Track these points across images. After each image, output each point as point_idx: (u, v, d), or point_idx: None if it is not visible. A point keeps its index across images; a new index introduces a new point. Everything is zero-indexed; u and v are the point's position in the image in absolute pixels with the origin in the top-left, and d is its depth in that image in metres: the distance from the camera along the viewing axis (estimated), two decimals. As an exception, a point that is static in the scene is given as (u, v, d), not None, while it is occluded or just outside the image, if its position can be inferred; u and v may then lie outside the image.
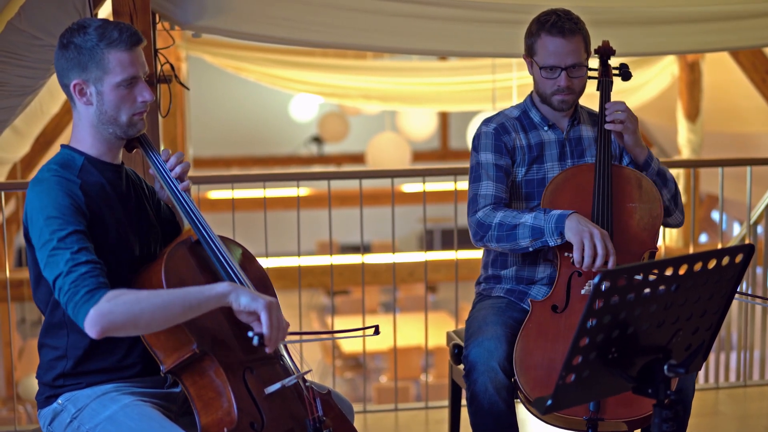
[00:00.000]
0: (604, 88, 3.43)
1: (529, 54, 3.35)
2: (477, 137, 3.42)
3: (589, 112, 3.51)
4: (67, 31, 2.68)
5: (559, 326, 3.13)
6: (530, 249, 3.20)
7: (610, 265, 3.03)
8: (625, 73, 3.47)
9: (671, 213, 3.44)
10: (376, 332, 2.93)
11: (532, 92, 3.48)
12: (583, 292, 3.17)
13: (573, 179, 3.31)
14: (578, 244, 3.04)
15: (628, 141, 3.30)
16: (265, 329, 2.57)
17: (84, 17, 3.97)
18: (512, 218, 3.20)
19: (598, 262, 3.03)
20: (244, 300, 2.56)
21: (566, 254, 3.20)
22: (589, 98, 3.38)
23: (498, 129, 3.40)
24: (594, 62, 3.49)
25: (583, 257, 3.05)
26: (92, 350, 2.71)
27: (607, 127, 3.28)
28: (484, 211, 3.28)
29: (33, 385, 8.94)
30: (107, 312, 2.44)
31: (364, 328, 2.99)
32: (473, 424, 3.16)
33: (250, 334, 2.59)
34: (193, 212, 2.83)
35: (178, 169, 2.89)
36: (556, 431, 3.17)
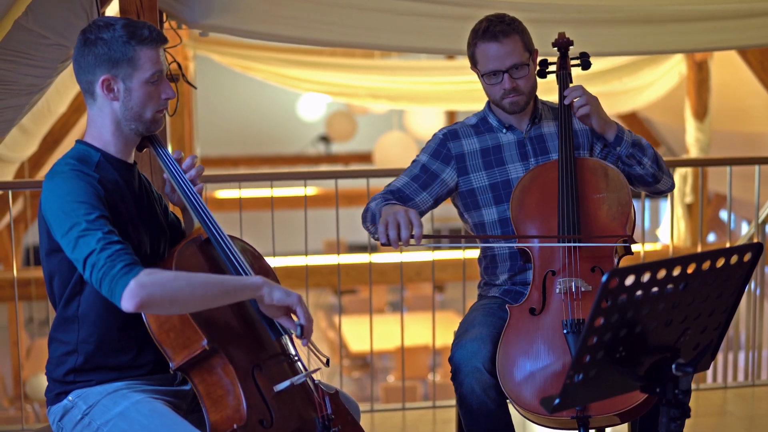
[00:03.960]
0: (563, 80, 3.43)
1: (474, 64, 3.38)
2: (429, 140, 3.51)
3: (551, 107, 3.51)
4: (92, 27, 2.72)
5: (538, 328, 3.13)
6: (375, 237, 3.18)
7: (417, 234, 2.99)
8: (585, 63, 3.48)
9: (659, 179, 3.43)
10: (326, 365, 2.87)
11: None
12: (557, 291, 3.17)
13: (538, 178, 3.32)
14: (383, 222, 3.02)
15: (596, 123, 3.31)
16: (303, 320, 2.67)
17: (91, 16, 3.98)
18: (373, 203, 3.29)
19: (403, 234, 2.98)
20: (277, 294, 2.64)
21: (537, 253, 3.23)
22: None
23: (447, 134, 3.48)
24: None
25: (387, 230, 3.00)
26: (103, 346, 2.73)
27: (579, 113, 3.28)
28: (379, 193, 3.36)
29: (40, 384, 8.98)
30: (148, 284, 2.45)
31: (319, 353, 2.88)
32: (466, 426, 3.16)
33: (296, 324, 2.69)
34: (203, 210, 2.85)
35: (193, 172, 2.94)
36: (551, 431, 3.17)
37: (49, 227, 2.61)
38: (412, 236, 2.99)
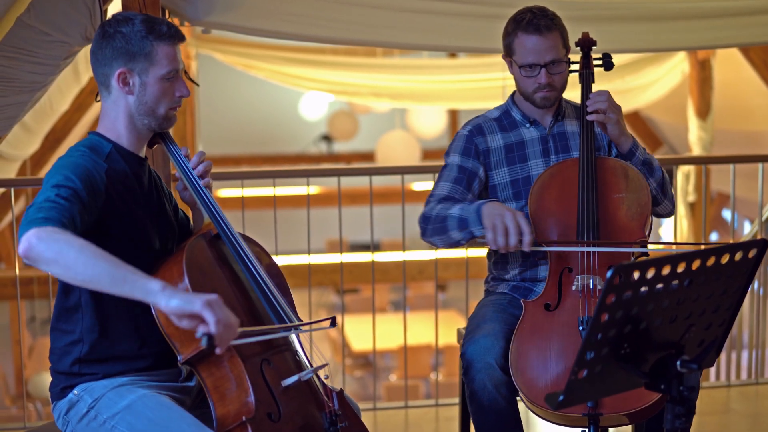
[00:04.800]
0: (585, 79, 3.42)
1: (508, 54, 3.36)
2: (453, 139, 3.47)
3: (574, 106, 3.50)
4: (111, 21, 2.75)
5: (553, 324, 3.12)
6: (462, 243, 3.20)
7: (526, 242, 3.01)
8: (608, 63, 3.46)
9: (659, 202, 3.42)
10: (333, 324, 2.88)
11: (514, 92, 3.48)
12: (573, 288, 3.16)
13: (558, 175, 3.31)
14: (490, 226, 3.03)
15: (612, 131, 3.30)
16: (212, 328, 2.33)
17: (94, 13, 3.98)
18: (445, 210, 3.22)
19: (512, 240, 3.00)
20: (175, 302, 2.34)
21: (553, 250, 3.22)
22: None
23: (472, 131, 3.44)
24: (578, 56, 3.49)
25: (495, 237, 3.02)
26: (108, 335, 2.74)
27: (589, 118, 3.27)
28: (430, 205, 3.30)
29: (43, 382, 8.98)
30: (44, 236, 2.37)
31: (321, 320, 2.91)
32: (475, 422, 3.16)
33: (199, 333, 2.35)
34: (214, 206, 2.88)
35: (201, 168, 2.96)
36: (559, 429, 3.16)
37: None
38: (520, 242, 3.01)
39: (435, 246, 3.32)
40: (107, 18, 3.94)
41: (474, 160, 3.39)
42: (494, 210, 3.06)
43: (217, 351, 2.40)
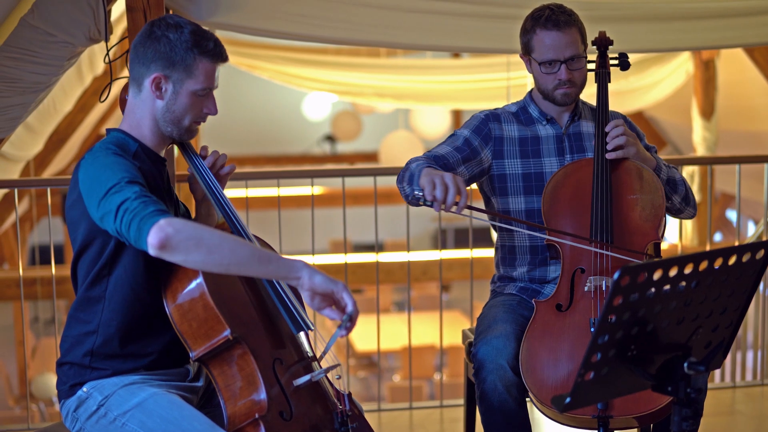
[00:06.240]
0: (602, 79, 3.41)
1: (526, 52, 3.35)
2: (469, 119, 3.47)
3: (591, 108, 3.50)
4: (161, 23, 2.75)
5: (564, 325, 3.12)
6: (409, 198, 3.12)
7: (461, 204, 2.93)
8: (624, 63, 3.46)
9: (683, 211, 3.45)
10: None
11: (531, 90, 3.48)
12: (586, 289, 3.15)
13: (572, 175, 3.30)
14: (429, 183, 2.94)
15: (634, 159, 3.28)
16: (350, 307, 2.56)
17: (98, 13, 3.97)
18: (413, 164, 3.18)
19: (450, 198, 2.91)
20: (319, 279, 2.53)
21: (568, 250, 3.21)
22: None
23: (489, 116, 3.44)
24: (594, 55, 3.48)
25: (434, 191, 2.92)
26: (123, 330, 2.74)
27: (609, 156, 3.25)
28: (420, 155, 3.28)
29: (46, 383, 8.96)
30: (177, 223, 2.44)
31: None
32: (484, 422, 3.15)
33: (336, 315, 2.56)
34: (227, 206, 2.90)
35: (219, 162, 3.02)
36: (568, 430, 3.15)
37: (84, 198, 2.62)
38: (456, 203, 2.94)
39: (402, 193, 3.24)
40: (110, 18, 3.95)
41: (482, 141, 3.38)
42: (434, 171, 3.01)
43: (344, 334, 2.58)
